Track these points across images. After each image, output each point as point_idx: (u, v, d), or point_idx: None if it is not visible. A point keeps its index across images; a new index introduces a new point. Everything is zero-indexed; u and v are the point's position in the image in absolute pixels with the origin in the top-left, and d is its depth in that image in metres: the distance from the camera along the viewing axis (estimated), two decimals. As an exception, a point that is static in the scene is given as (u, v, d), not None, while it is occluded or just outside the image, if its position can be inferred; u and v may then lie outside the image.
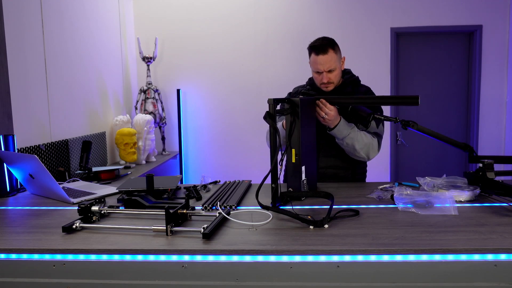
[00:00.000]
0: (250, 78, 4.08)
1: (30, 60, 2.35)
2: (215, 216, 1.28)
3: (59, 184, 1.83)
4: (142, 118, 3.38)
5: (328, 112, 1.74)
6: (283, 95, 2.14)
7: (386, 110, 4.02)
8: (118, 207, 1.47)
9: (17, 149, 2.05)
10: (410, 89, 4.13)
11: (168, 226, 1.18)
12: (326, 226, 1.24)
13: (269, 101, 1.48)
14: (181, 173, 4.05)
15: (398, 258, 1.04)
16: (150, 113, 3.74)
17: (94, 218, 1.33)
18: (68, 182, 2.12)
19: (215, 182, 1.95)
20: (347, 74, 2.03)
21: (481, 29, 3.93)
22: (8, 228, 1.32)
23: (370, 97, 1.91)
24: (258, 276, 1.06)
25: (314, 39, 1.95)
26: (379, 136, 1.93)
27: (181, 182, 3.69)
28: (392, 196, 1.50)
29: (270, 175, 1.43)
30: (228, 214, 1.35)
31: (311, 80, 2.06)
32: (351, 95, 1.94)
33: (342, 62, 1.96)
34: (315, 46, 1.89)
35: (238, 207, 1.48)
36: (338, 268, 1.05)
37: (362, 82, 2.06)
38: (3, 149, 1.84)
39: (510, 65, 3.95)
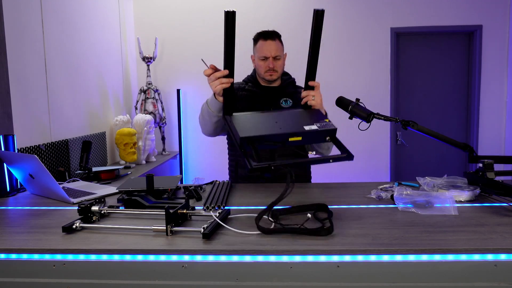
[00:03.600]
0: (250, 78, 4.07)
1: (30, 60, 2.35)
2: (215, 216, 1.28)
3: (59, 184, 1.83)
4: (142, 118, 3.38)
5: (315, 94, 1.63)
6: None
7: (386, 110, 4.02)
8: (118, 207, 1.46)
9: (17, 149, 2.05)
10: (410, 89, 4.13)
11: (168, 226, 1.18)
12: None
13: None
14: (181, 173, 4.05)
15: (398, 258, 1.04)
16: (150, 113, 3.74)
17: (94, 218, 1.33)
18: (68, 182, 2.12)
19: (213, 183, 1.94)
20: (285, 75, 2.09)
21: (481, 29, 3.93)
22: (8, 228, 1.32)
23: None
24: (258, 276, 1.06)
25: None
26: None
27: (181, 182, 3.69)
28: (392, 196, 1.50)
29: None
30: (228, 215, 1.35)
31: (252, 77, 2.07)
32: (292, 96, 2.00)
33: (284, 57, 2.01)
34: (263, 32, 1.95)
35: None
36: (338, 268, 1.05)
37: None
38: (3, 149, 1.84)
39: (510, 65, 3.95)
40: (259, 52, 1.95)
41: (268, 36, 1.93)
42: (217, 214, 1.28)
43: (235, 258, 1.07)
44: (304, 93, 1.64)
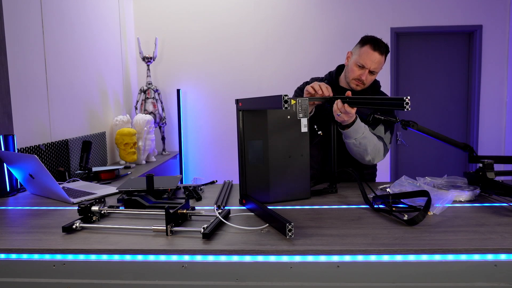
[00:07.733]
0: (250, 77, 4.08)
1: (30, 60, 2.35)
2: (215, 216, 1.28)
3: (59, 184, 1.83)
4: (142, 118, 3.38)
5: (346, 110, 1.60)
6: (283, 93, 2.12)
7: (386, 110, 4.02)
8: (118, 207, 1.47)
9: (17, 149, 2.05)
10: (410, 89, 4.13)
11: (168, 226, 1.18)
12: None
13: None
14: (181, 173, 4.05)
15: (398, 258, 1.04)
16: (150, 113, 3.74)
17: (94, 218, 1.33)
18: (68, 182, 2.12)
19: (212, 182, 1.94)
20: None
21: (481, 29, 3.93)
22: (8, 228, 1.32)
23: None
24: (258, 276, 1.06)
25: (366, 36, 1.81)
26: (384, 142, 1.85)
27: (181, 182, 3.69)
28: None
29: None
30: (228, 214, 1.35)
31: (330, 76, 1.97)
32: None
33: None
34: (375, 40, 1.78)
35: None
36: (338, 268, 1.05)
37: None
38: (3, 149, 1.84)
39: (510, 65, 3.95)
40: (360, 58, 1.78)
41: (378, 47, 1.76)
42: (217, 214, 1.28)
43: (235, 258, 1.07)
44: (335, 108, 1.59)
